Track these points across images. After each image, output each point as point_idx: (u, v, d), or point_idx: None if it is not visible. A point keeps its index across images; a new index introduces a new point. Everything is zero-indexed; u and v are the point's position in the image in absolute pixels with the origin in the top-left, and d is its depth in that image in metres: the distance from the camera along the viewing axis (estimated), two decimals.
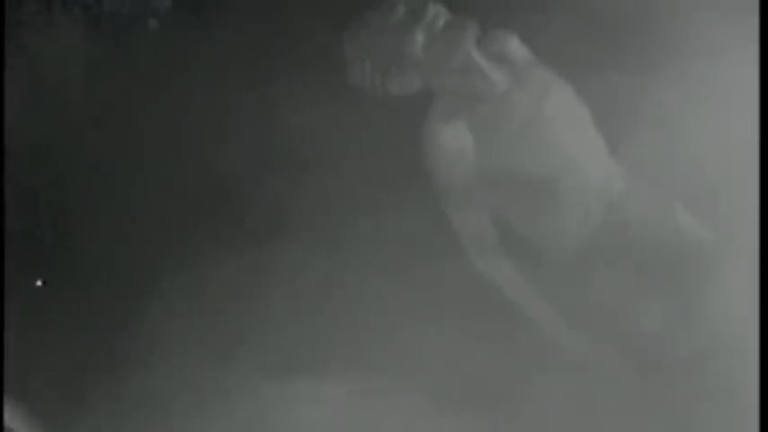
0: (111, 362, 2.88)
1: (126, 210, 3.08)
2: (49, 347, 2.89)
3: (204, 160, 3.08)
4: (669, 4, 2.82)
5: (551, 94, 2.62)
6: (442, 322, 2.73)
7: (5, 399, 2.56)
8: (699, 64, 2.67)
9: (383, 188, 2.81)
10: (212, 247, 2.93)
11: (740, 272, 2.52)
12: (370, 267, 2.79)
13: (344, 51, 2.60)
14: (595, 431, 2.59)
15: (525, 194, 2.57)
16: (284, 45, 3.11)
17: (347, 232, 2.85)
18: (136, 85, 3.09)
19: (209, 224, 3.03)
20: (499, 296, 2.69)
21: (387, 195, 2.80)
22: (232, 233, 2.98)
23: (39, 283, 3.04)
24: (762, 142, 2.50)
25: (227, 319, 2.87)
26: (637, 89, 2.80)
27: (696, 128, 2.69)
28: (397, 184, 2.78)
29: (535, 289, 2.62)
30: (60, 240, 3.10)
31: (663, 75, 2.75)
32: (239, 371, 2.75)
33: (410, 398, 2.64)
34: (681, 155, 2.74)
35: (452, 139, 2.57)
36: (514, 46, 2.68)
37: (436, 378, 2.69)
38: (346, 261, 2.84)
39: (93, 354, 2.90)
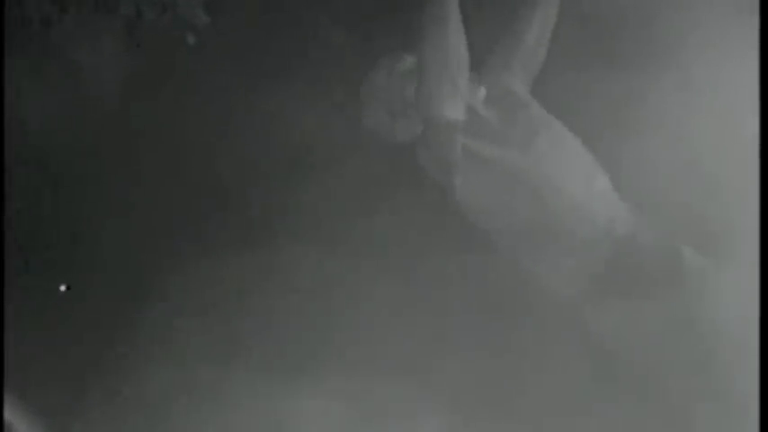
0: (111, 362, 2.88)
1: (128, 212, 3.09)
2: (49, 347, 2.89)
3: (205, 164, 3.09)
4: (669, 5, 2.84)
5: (542, 134, 2.67)
6: (441, 321, 2.73)
7: (6, 397, 2.56)
8: (699, 64, 2.68)
9: (382, 189, 2.83)
10: (212, 247, 2.94)
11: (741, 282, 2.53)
12: (369, 267, 2.80)
13: (360, 97, 2.71)
14: (595, 431, 2.59)
15: (527, 234, 2.61)
16: (308, 56, 3.16)
17: (346, 233, 2.87)
18: (169, 96, 3.14)
19: (209, 225, 3.04)
20: (498, 295, 2.70)
21: (386, 196, 2.81)
22: (232, 234, 2.99)
23: (62, 287, 3.06)
24: (762, 142, 2.50)
25: (228, 319, 2.88)
26: (637, 90, 2.81)
27: (696, 128, 2.69)
28: (397, 184, 2.80)
29: None
30: (61, 242, 3.11)
31: (664, 76, 2.76)
32: (239, 370, 2.75)
33: (409, 397, 2.65)
34: (680, 157, 2.74)
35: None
36: (509, 90, 2.75)
37: (435, 376, 2.69)
38: (345, 261, 2.85)
39: (94, 353, 2.91)
